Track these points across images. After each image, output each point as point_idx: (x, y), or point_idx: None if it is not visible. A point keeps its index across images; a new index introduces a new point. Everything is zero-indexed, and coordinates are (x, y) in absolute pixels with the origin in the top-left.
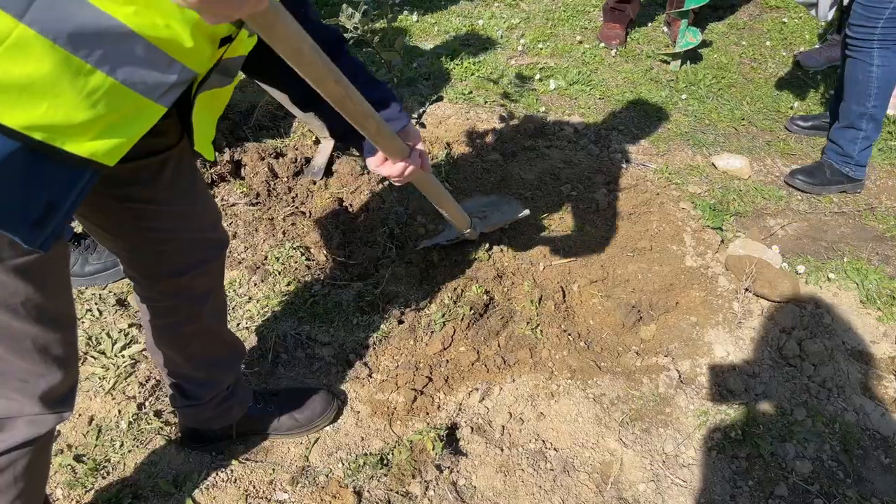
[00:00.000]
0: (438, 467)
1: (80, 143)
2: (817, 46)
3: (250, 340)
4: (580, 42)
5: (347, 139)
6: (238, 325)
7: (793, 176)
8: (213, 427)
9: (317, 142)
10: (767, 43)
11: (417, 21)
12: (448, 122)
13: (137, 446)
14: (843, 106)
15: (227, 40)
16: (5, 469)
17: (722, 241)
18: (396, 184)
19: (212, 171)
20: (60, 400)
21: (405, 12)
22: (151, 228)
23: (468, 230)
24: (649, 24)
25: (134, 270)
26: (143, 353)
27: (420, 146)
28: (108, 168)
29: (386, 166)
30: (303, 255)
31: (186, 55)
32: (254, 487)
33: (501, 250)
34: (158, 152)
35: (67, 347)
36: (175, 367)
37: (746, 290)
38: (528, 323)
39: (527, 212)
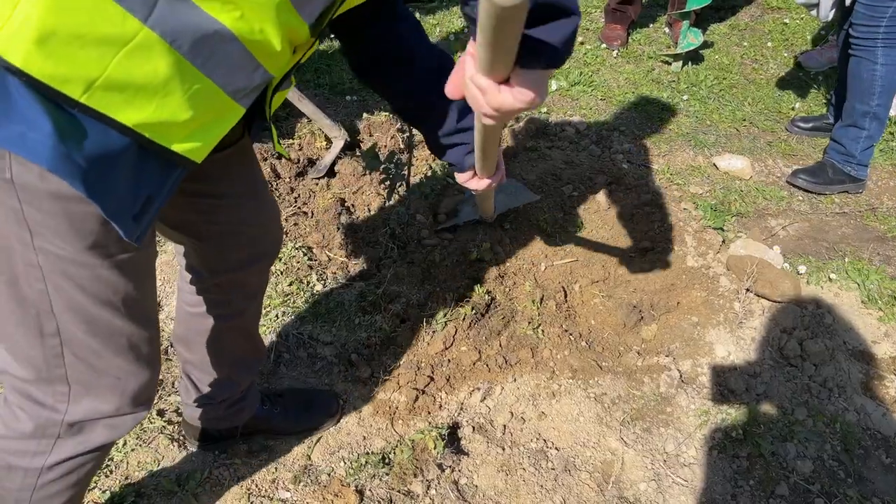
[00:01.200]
0: (440, 466)
1: (179, 141)
2: (818, 47)
3: None
4: (581, 43)
5: (418, 123)
6: None
7: (795, 176)
8: (220, 427)
9: (328, 141)
10: (769, 44)
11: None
12: None
13: (140, 445)
14: (847, 105)
15: (303, 46)
16: (72, 472)
17: (723, 242)
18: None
19: None
20: (144, 399)
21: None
22: (217, 222)
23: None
24: (651, 25)
25: (197, 263)
26: None
27: (501, 160)
28: (196, 165)
29: (474, 181)
30: (305, 254)
31: (270, 59)
32: (256, 486)
33: (503, 250)
34: (224, 148)
35: (154, 346)
36: (201, 362)
37: (748, 290)
38: (529, 323)
39: (537, 197)
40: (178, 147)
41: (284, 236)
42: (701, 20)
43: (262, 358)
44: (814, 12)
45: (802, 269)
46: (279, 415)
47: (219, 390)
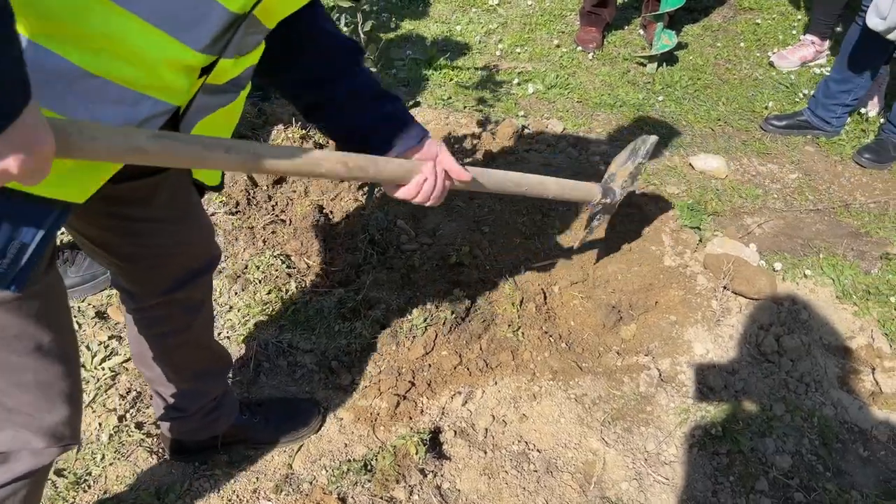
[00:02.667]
0: (422, 472)
1: (51, 185)
2: (790, 47)
3: (232, 349)
4: (557, 46)
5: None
6: (219, 334)
7: (860, 155)
8: (199, 438)
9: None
10: (742, 44)
11: (395, 28)
12: (427, 128)
13: (119, 459)
14: None
15: (208, 69)
16: (4, 500)
17: (700, 241)
18: (429, 205)
19: None
20: (67, 434)
21: (383, 18)
22: (147, 245)
23: (601, 198)
24: (625, 28)
25: (128, 284)
26: (124, 365)
27: (441, 158)
28: (80, 204)
29: (401, 191)
30: (283, 262)
31: (159, 89)
32: (237, 496)
33: (482, 254)
34: (153, 173)
35: (70, 381)
36: (162, 378)
37: (725, 288)
38: (509, 325)
39: (654, 138)
40: (48, 192)
41: (263, 244)
42: (675, 22)
43: (226, 365)
44: (892, 36)
45: (778, 266)
46: (259, 424)
47: (189, 402)
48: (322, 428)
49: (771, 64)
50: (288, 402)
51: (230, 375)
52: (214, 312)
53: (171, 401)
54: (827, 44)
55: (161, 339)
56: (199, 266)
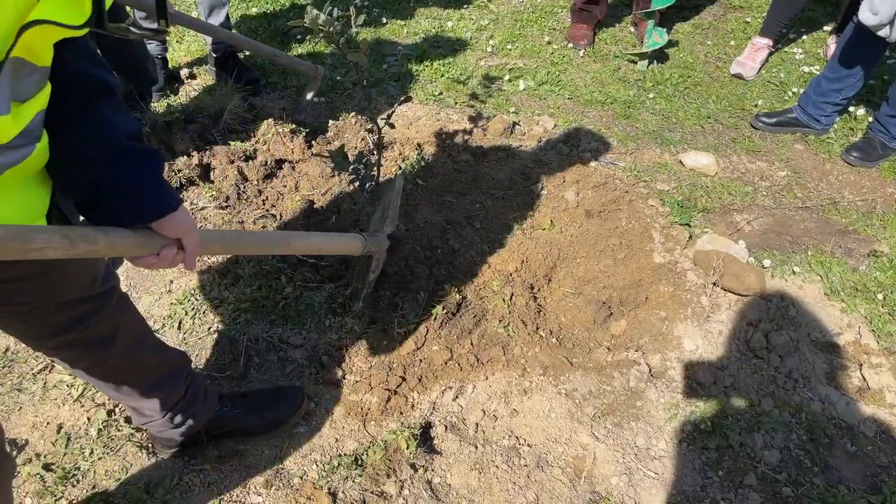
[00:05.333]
0: (413, 466)
1: None
2: (745, 53)
3: (222, 344)
4: (549, 43)
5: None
6: (209, 328)
7: (848, 153)
8: (180, 435)
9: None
10: (732, 42)
11: (387, 23)
12: (419, 124)
13: (108, 453)
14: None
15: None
16: None
17: (690, 237)
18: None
19: (180, 174)
20: None
21: (374, 13)
22: (10, 303)
23: (367, 249)
24: (617, 25)
25: (19, 337)
26: None
27: (185, 239)
28: None
29: (137, 262)
30: (274, 257)
31: None
32: (227, 491)
33: (473, 249)
34: None
35: None
36: (117, 395)
37: (714, 284)
38: (500, 321)
39: (400, 181)
40: None
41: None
42: (665, 19)
43: (178, 368)
44: (883, 32)
45: (767, 262)
46: (243, 413)
47: (153, 409)
48: (312, 422)
49: (738, 76)
50: (270, 391)
51: (220, 370)
52: (204, 307)
53: (136, 410)
54: (779, 47)
55: (85, 373)
56: (82, 309)
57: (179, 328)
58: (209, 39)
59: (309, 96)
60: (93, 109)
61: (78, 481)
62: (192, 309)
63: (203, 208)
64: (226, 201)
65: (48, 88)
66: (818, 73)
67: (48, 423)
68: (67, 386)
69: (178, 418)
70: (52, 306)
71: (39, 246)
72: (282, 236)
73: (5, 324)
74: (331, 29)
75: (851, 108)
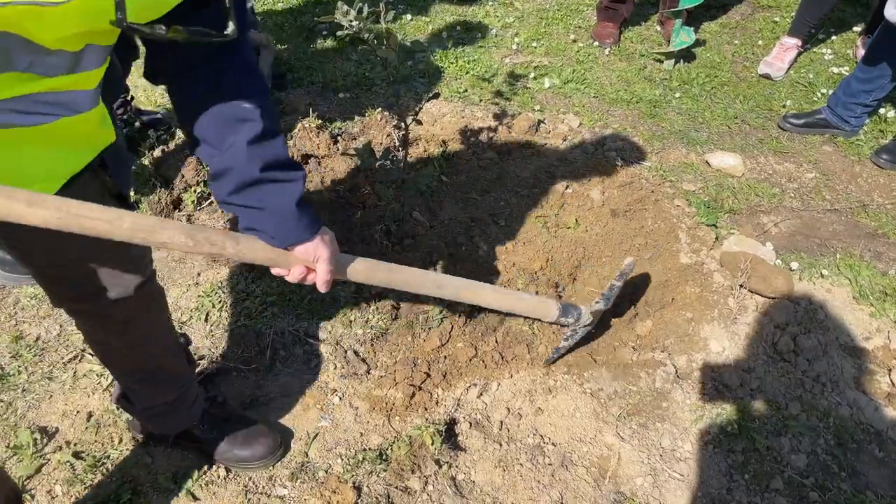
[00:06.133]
0: (437, 462)
1: None
2: (773, 52)
3: (248, 337)
4: (574, 41)
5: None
6: (236, 321)
7: (878, 155)
8: (152, 430)
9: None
10: (760, 42)
11: (412, 20)
12: (443, 121)
13: (137, 442)
14: None
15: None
16: None
17: (716, 238)
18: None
19: (208, 167)
20: None
21: (399, 10)
22: (30, 256)
23: (559, 318)
24: (643, 24)
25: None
26: None
27: (317, 266)
28: None
29: (276, 271)
30: None
31: None
32: (253, 483)
33: (498, 247)
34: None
35: None
36: (109, 369)
37: (741, 286)
38: (524, 319)
39: (631, 260)
40: None
41: None
42: (693, 19)
43: (174, 377)
44: None
45: (795, 265)
46: (217, 440)
47: (135, 398)
48: (337, 416)
49: (766, 76)
50: (252, 430)
51: (245, 363)
52: (231, 300)
53: (122, 390)
54: (807, 47)
55: (87, 342)
56: (103, 284)
57: (206, 320)
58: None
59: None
60: (231, 134)
61: (107, 469)
62: (220, 301)
63: None
64: None
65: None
66: (848, 73)
67: (78, 412)
68: (97, 375)
69: (154, 418)
70: (72, 271)
71: (163, 240)
72: (446, 281)
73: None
74: (360, 25)
75: (882, 110)
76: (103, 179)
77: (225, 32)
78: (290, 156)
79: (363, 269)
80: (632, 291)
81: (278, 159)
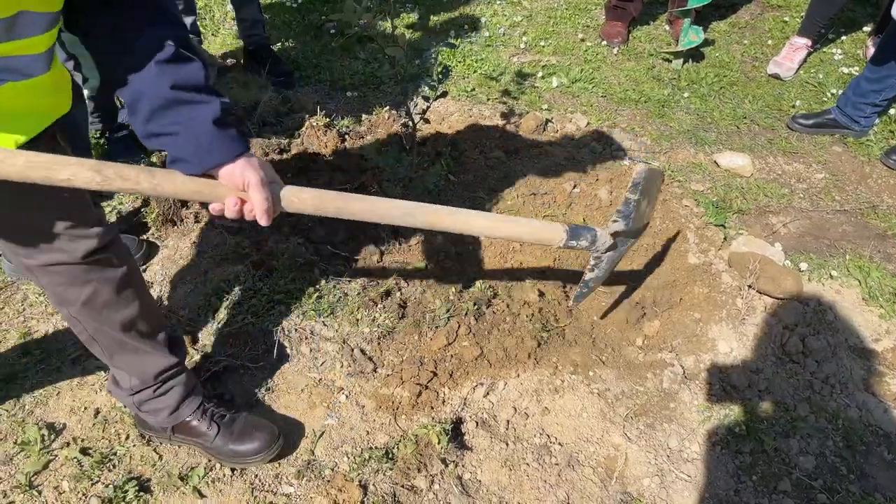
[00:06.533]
0: (444, 461)
1: None
2: (783, 52)
3: (255, 335)
4: (582, 40)
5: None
6: (243, 319)
7: (888, 156)
8: (147, 420)
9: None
10: (769, 42)
11: (420, 18)
12: (451, 119)
13: (143, 439)
14: None
15: None
16: None
17: (724, 239)
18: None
19: None
20: None
21: (407, 8)
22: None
23: (569, 242)
24: (651, 23)
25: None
26: None
27: (251, 187)
28: None
29: (213, 207)
30: (307, 250)
31: None
32: (259, 481)
33: (506, 247)
34: None
35: None
36: (96, 352)
37: (749, 286)
38: (531, 319)
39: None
40: None
41: (288, 230)
42: (701, 18)
43: (151, 362)
44: None
45: (804, 266)
46: (212, 432)
47: (120, 379)
48: (344, 415)
49: (775, 76)
50: (249, 424)
51: (253, 360)
52: (238, 298)
53: (112, 375)
54: (817, 47)
55: (56, 304)
56: (48, 246)
57: (213, 318)
58: (242, 32)
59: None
60: (143, 61)
61: (114, 466)
62: (227, 299)
63: None
64: None
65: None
66: (857, 74)
67: (86, 408)
68: (105, 371)
69: (144, 404)
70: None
71: (65, 176)
72: (416, 209)
73: None
74: (368, 23)
75: (892, 111)
76: (58, 151)
77: None
78: (211, 86)
79: (310, 199)
80: (640, 291)
81: (191, 81)
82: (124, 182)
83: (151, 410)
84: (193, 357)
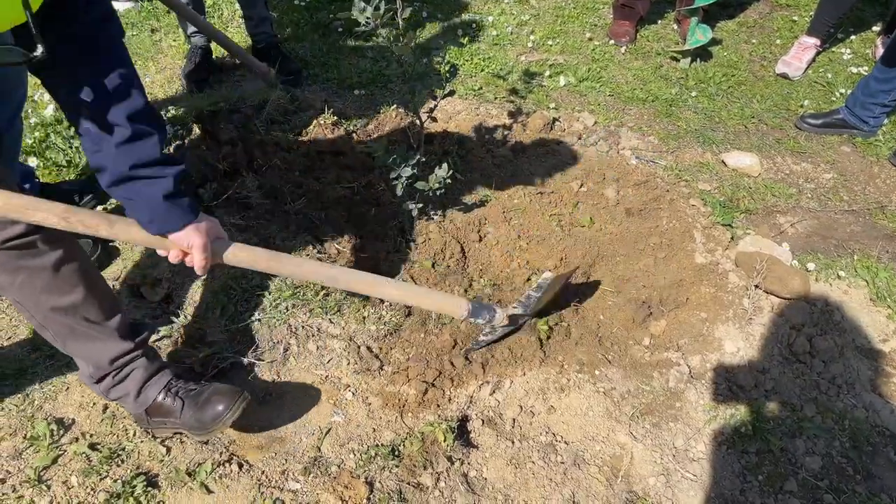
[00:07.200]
0: (450, 459)
1: None
2: (791, 52)
3: (262, 332)
4: (590, 39)
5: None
6: (250, 316)
7: None
8: (131, 411)
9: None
10: (778, 41)
11: (427, 17)
12: (458, 118)
13: (150, 435)
14: None
15: None
16: None
17: (732, 238)
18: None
19: (224, 163)
20: None
21: (415, 7)
22: None
23: (470, 317)
24: (659, 22)
25: None
26: (157, 343)
27: (193, 252)
28: None
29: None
30: (314, 247)
31: None
32: (266, 477)
33: (511, 245)
34: None
35: None
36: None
37: (756, 286)
38: (538, 318)
39: (549, 275)
40: None
41: (295, 228)
42: (709, 17)
43: (102, 349)
44: None
45: (811, 266)
46: (178, 407)
47: (84, 370)
48: (350, 412)
49: (783, 76)
50: (212, 391)
51: (260, 357)
52: (245, 295)
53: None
54: (826, 47)
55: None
56: None
57: (222, 314)
58: (249, 30)
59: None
60: (104, 136)
61: (122, 461)
62: (234, 296)
63: (247, 197)
64: (269, 191)
65: None
66: (866, 73)
67: (94, 404)
68: None
69: (112, 393)
70: None
71: (37, 219)
72: (339, 274)
73: None
74: (377, 22)
75: None
76: None
77: (34, 54)
78: (167, 154)
79: (245, 256)
80: (647, 290)
81: (148, 159)
82: (86, 228)
83: (119, 398)
84: (200, 354)
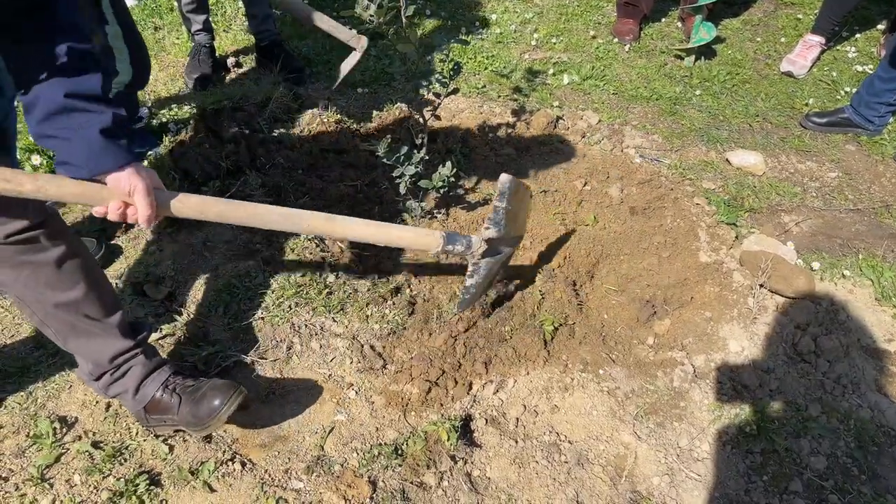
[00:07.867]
0: (453, 458)
1: None
2: (796, 50)
3: (265, 331)
4: (594, 37)
5: None
6: (253, 314)
7: None
8: (131, 409)
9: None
10: (782, 39)
11: (431, 15)
12: (462, 116)
13: (153, 434)
14: None
15: None
16: None
17: (736, 237)
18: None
19: (228, 161)
20: None
21: (419, 5)
22: None
23: (445, 250)
24: (663, 20)
25: None
26: (160, 341)
27: (134, 198)
28: None
29: (96, 210)
30: (317, 246)
31: None
32: (269, 476)
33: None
34: None
35: None
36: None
37: (761, 285)
38: (540, 316)
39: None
40: None
41: None
42: (713, 15)
43: (101, 347)
44: None
45: (816, 265)
46: (175, 404)
47: (84, 368)
48: (353, 411)
49: (788, 74)
50: (208, 387)
51: (263, 356)
52: (249, 294)
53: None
54: (831, 45)
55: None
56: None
57: (225, 312)
58: (252, 28)
59: (346, 69)
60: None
61: (125, 459)
62: (238, 294)
63: (250, 195)
64: (272, 189)
65: None
66: (871, 72)
67: (97, 402)
68: None
69: (110, 390)
70: None
71: None
72: (298, 217)
73: None
74: (381, 19)
75: None
76: None
77: None
78: (110, 97)
79: (195, 204)
80: (651, 289)
81: (86, 91)
82: (6, 184)
83: (118, 395)
84: (203, 352)
